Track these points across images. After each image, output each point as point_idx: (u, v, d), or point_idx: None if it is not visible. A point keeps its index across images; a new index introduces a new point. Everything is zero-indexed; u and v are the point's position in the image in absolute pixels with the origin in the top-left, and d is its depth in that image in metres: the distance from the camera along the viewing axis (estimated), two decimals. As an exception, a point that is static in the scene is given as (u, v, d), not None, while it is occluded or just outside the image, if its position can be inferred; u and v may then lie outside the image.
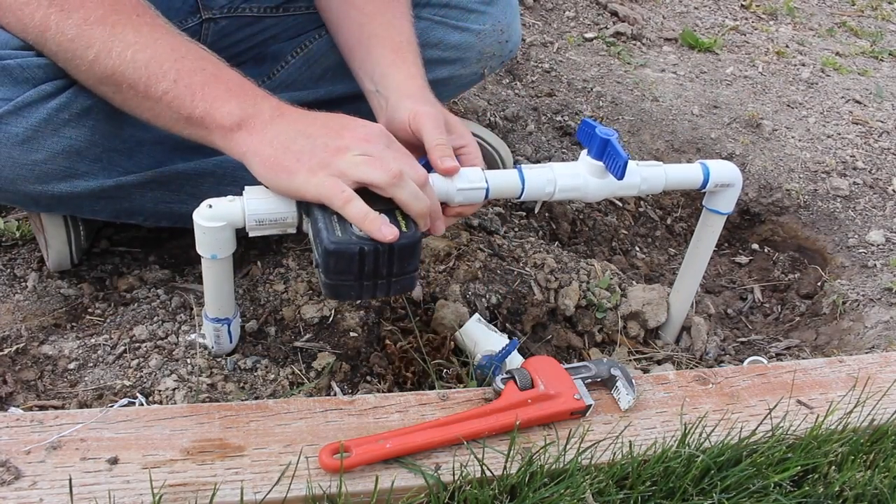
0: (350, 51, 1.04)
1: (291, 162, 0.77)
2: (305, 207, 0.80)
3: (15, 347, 0.95)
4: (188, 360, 0.94)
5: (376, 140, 0.80)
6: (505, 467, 0.75)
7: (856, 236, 1.55)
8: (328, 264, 0.75)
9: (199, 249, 0.83)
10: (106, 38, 0.78)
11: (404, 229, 0.77)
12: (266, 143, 0.78)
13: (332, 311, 1.04)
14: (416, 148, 0.89)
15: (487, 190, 0.90)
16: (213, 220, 0.80)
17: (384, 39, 1.00)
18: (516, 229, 1.38)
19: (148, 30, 0.80)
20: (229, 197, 0.81)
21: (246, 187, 0.82)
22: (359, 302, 1.05)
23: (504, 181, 0.92)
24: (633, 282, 1.26)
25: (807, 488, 0.78)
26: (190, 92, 0.78)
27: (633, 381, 0.88)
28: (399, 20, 1.02)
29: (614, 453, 0.79)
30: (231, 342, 0.95)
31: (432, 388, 0.95)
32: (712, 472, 0.78)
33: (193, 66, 0.80)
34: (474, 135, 1.42)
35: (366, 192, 0.78)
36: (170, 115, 0.80)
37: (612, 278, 1.23)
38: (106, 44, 0.78)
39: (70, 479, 0.67)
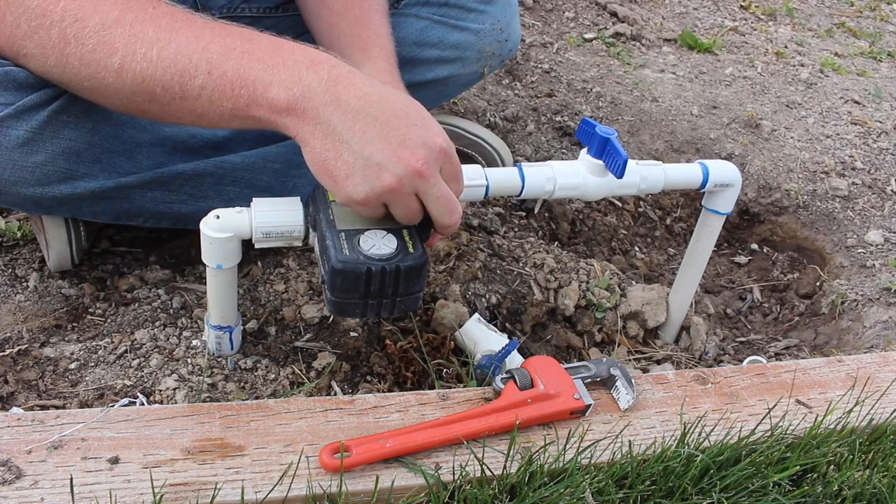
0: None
1: (339, 174, 0.73)
2: (312, 222, 0.80)
3: (17, 349, 0.95)
4: (189, 360, 0.94)
5: (430, 165, 0.73)
6: (505, 467, 0.76)
7: (854, 236, 1.55)
8: (334, 283, 0.75)
9: (205, 259, 0.82)
10: (128, 39, 0.73)
11: (411, 250, 0.77)
12: (318, 137, 0.73)
13: (333, 312, 1.04)
14: None
15: (487, 187, 0.90)
16: (221, 230, 0.80)
17: (352, 38, 0.99)
18: (516, 229, 1.39)
19: (167, 21, 0.74)
20: (237, 208, 0.81)
21: (254, 199, 0.82)
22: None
23: (504, 179, 0.92)
24: (633, 282, 1.26)
25: (806, 488, 0.78)
26: (227, 81, 0.73)
27: (633, 380, 0.88)
28: (368, 13, 1.00)
29: (614, 453, 0.79)
30: (232, 349, 0.96)
31: (432, 387, 0.95)
32: (711, 471, 0.78)
33: (221, 49, 0.73)
34: (474, 135, 1.44)
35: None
36: (214, 111, 0.75)
37: (611, 278, 1.23)
38: (129, 46, 0.73)
39: (71, 479, 0.68)
